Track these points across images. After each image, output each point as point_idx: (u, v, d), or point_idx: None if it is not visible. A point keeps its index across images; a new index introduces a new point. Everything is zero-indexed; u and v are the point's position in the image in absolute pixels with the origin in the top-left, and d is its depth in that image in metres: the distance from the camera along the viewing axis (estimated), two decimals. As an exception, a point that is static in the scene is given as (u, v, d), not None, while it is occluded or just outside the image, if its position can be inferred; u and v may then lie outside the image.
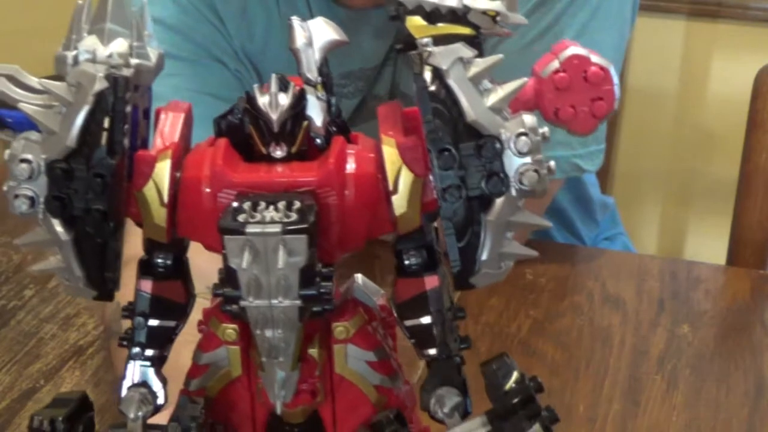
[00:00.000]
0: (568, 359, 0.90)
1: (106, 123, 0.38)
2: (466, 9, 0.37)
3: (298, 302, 0.37)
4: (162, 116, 0.41)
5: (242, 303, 0.37)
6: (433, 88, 0.38)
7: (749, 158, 1.21)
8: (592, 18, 0.97)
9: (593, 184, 1.30)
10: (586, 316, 0.96)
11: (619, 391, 0.86)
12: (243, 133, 0.40)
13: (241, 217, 0.37)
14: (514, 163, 0.37)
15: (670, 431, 0.82)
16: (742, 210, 1.22)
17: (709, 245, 1.76)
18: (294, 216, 0.37)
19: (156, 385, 0.43)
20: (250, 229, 0.36)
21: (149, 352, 0.43)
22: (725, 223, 1.26)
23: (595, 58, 0.39)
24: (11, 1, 2.50)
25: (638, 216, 2.26)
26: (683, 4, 2.06)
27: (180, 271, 0.43)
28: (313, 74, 0.40)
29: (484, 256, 0.38)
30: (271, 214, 0.37)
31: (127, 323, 0.44)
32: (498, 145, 0.37)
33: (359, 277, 0.44)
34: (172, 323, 0.43)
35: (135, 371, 0.43)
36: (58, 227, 0.40)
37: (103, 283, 0.40)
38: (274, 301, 0.37)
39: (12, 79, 0.39)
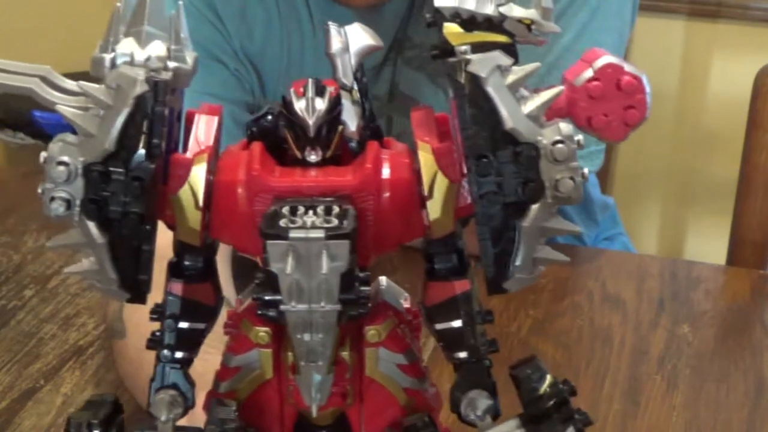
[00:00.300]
0: (568, 359, 0.90)
1: (145, 126, 0.38)
2: (503, 17, 0.38)
3: (338, 306, 0.37)
4: (196, 118, 0.42)
5: (283, 307, 0.38)
6: (470, 94, 0.38)
7: (749, 158, 1.21)
8: (591, 18, 0.97)
9: (593, 184, 1.30)
10: (586, 316, 0.96)
11: (619, 391, 0.86)
12: (276, 136, 0.40)
13: (282, 222, 0.37)
14: (550, 170, 0.38)
15: (670, 431, 0.82)
16: (742, 210, 1.22)
17: (709, 245, 1.76)
18: (335, 221, 0.37)
19: (185, 387, 0.43)
20: (293, 234, 0.37)
21: (178, 355, 0.43)
22: (725, 223, 1.26)
23: (627, 67, 0.39)
24: (11, 1, 2.50)
25: (638, 216, 2.26)
26: (683, 4, 2.06)
27: (209, 273, 0.43)
28: (348, 79, 0.40)
29: (518, 262, 0.39)
30: (311, 219, 0.37)
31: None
32: (534, 153, 0.37)
33: (383, 279, 0.44)
34: (201, 325, 0.43)
35: (164, 374, 0.43)
36: (94, 230, 0.40)
37: (137, 286, 0.40)
38: (315, 306, 0.37)
39: (45, 80, 0.39)
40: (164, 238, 0.43)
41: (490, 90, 0.37)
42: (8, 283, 0.99)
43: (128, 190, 0.38)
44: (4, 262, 1.03)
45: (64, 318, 0.94)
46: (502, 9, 0.38)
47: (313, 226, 0.37)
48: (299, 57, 1.04)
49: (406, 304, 0.44)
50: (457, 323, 0.42)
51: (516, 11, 0.38)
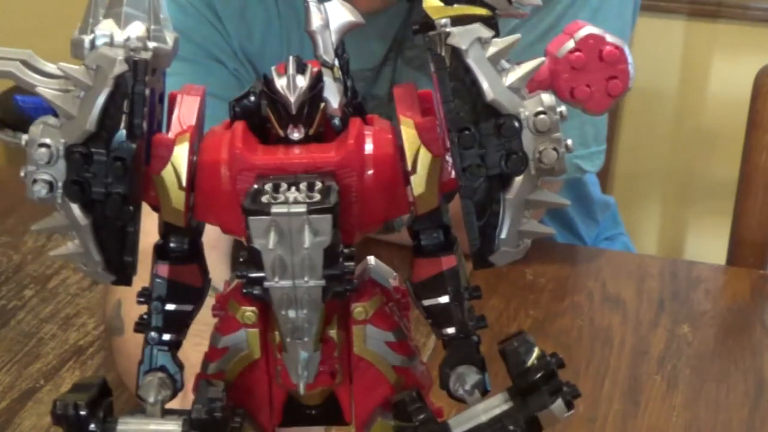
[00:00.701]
0: (568, 359, 0.89)
1: (126, 106, 0.37)
2: None
3: (322, 282, 0.37)
4: (178, 99, 0.41)
5: (266, 284, 0.37)
6: (451, 67, 0.37)
7: (749, 158, 1.21)
8: (592, 18, 0.98)
9: (594, 184, 1.30)
10: (586, 316, 0.96)
11: (619, 391, 0.86)
12: (259, 116, 0.40)
13: (264, 198, 0.37)
14: (532, 141, 0.37)
15: (670, 431, 0.82)
16: (742, 210, 1.22)
17: (709, 245, 1.76)
18: (317, 196, 0.37)
19: (173, 369, 0.42)
20: (275, 209, 0.36)
21: (166, 337, 0.42)
22: (725, 223, 1.26)
23: (609, 38, 0.39)
24: (11, 1, 2.50)
25: (638, 216, 2.25)
26: (683, 4, 2.06)
27: (196, 254, 0.43)
28: (329, 56, 0.40)
29: (503, 235, 0.39)
30: (294, 195, 0.37)
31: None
32: (517, 124, 0.37)
33: (371, 258, 0.44)
34: (188, 307, 0.42)
35: (152, 356, 0.43)
36: (77, 212, 0.39)
37: (122, 268, 0.40)
38: (299, 282, 0.37)
39: (26, 64, 0.39)
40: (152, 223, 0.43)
41: (471, 62, 0.37)
42: (8, 283, 0.99)
43: (110, 171, 0.38)
44: (4, 262, 1.03)
45: (64, 318, 0.94)
46: None
47: (296, 202, 0.37)
48: (299, 54, 1.04)
49: (395, 283, 0.44)
50: (444, 299, 0.42)
51: None
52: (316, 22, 0.40)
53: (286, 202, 0.36)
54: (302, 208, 0.36)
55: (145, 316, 0.43)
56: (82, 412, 0.41)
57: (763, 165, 1.20)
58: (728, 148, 1.52)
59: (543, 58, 0.38)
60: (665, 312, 0.97)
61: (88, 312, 0.95)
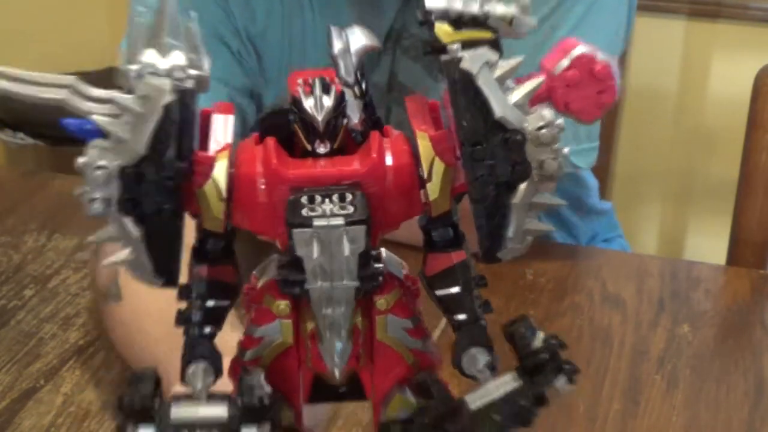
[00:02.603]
0: (568, 359, 0.90)
1: (173, 131, 0.41)
2: (487, 15, 0.42)
3: (357, 283, 0.43)
4: (213, 119, 0.46)
5: (308, 286, 0.43)
6: (463, 89, 0.42)
7: (749, 158, 1.21)
8: (587, 13, 0.98)
9: (592, 187, 1.30)
10: (586, 316, 0.96)
11: (619, 391, 0.86)
12: (286, 130, 0.44)
13: (304, 212, 0.42)
14: (535, 152, 0.42)
15: (670, 431, 0.82)
16: (742, 210, 1.22)
17: (709, 245, 1.76)
18: (351, 208, 0.42)
19: (214, 358, 0.46)
20: (317, 222, 0.42)
21: (207, 330, 0.46)
22: (725, 223, 1.26)
23: (600, 56, 0.43)
24: (11, 1, 2.50)
25: (638, 216, 2.26)
26: (683, 4, 2.06)
27: (230, 255, 0.47)
28: (351, 77, 0.44)
29: (510, 234, 0.43)
30: (329, 207, 0.42)
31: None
32: (521, 138, 0.42)
33: (383, 251, 0.48)
34: (226, 303, 0.47)
35: (194, 347, 0.46)
36: (130, 225, 0.43)
37: (170, 272, 0.44)
38: (337, 283, 0.43)
39: (74, 90, 0.42)
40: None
41: (481, 84, 0.42)
42: (8, 283, 0.99)
43: (161, 189, 0.42)
44: (4, 262, 1.03)
45: (64, 318, 0.94)
46: (486, 7, 0.42)
47: (333, 214, 0.42)
48: (300, 41, 1.05)
49: (405, 272, 0.48)
50: (455, 289, 0.47)
51: (498, 9, 0.42)
52: (337, 46, 0.45)
53: (324, 215, 0.42)
54: (341, 221, 0.42)
55: (185, 312, 0.47)
56: (148, 404, 0.45)
57: (763, 165, 1.20)
58: (728, 148, 1.52)
59: (542, 78, 0.43)
60: (665, 312, 0.97)
61: (88, 312, 0.95)
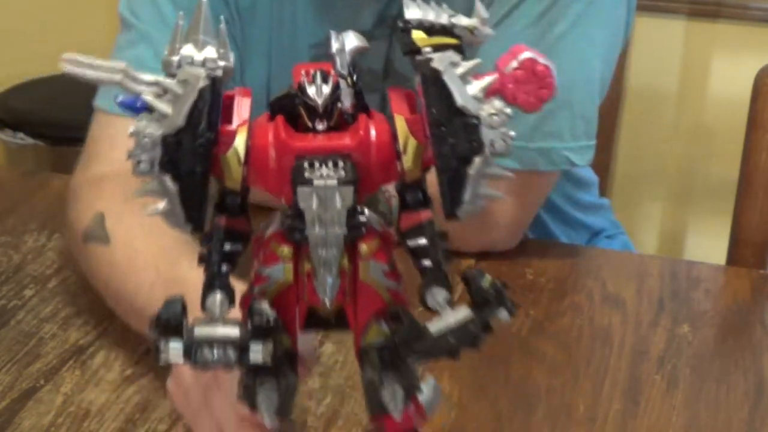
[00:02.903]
0: (568, 359, 0.90)
1: (205, 109, 0.53)
2: (453, 25, 0.54)
3: (345, 230, 0.54)
4: (236, 100, 0.57)
5: (307, 232, 0.54)
6: (433, 83, 0.53)
7: (749, 158, 1.21)
8: (585, 11, 0.98)
9: (592, 184, 1.30)
10: (586, 316, 0.96)
11: (619, 391, 0.86)
12: (291, 110, 0.55)
13: (306, 174, 0.53)
14: (488, 134, 0.53)
15: (670, 431, 0.82)
16: (742, 210, 1.22)
17: (709, 245, 1.76)
18: (343, 173, 0.53)
19: (229, 291, 0.56)
20: (316, 182, 0.53)
21: (224, 268, 0.57)
22: (725, 223, 1.26)
23: (541, 60, 0.54)
24: (11, 1, 2.50)
25: (638, 216, 2.26)
26: (683, 4, 2.06)
27: (245, 210, 0.58)
28: (345, 70, 0.55)
29: (467, 197, 0.54)
30: (326, 171, 0.53)
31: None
32: (477, 122, 0.53)
33: (366, 210, 0.58)
34: (240, 247, 0.57)
35: (213, 283, 0.56)
36: (168, 182, 0.53)
37: (198, 220, 0.55)
38: (330, 230, 0.54)
39: (126, 74, 0.53)
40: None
41: (446, 79, 0.53)
42: (8, 283, 0.99)
43: (194, 154, 0.53)
44: (4, 262, 1.03)
45: (64, 318, 0.94)
46: (453, 19, 0.54)
47: (329, 177, 0.53)
48: (291, 22, 1.06)
49: (382, 228, 0.59)
50: (423, 241, 0.57)
51: (463, 21, 0.54)
52: (335, 46, 0.56)
53: (322, 177, 0.53)
54: (334, 182, 0.53)
55: (205, 254, 0.57)
56: (179, 322, 0.56)
57: (763, 165, 1.20)
58: (728, 148, 1.52)
59: (496, 75, 0.54)
60: (665, 312, 0.98)
61: (88, 312, 0.95)
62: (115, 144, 0.97)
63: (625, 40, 1.07)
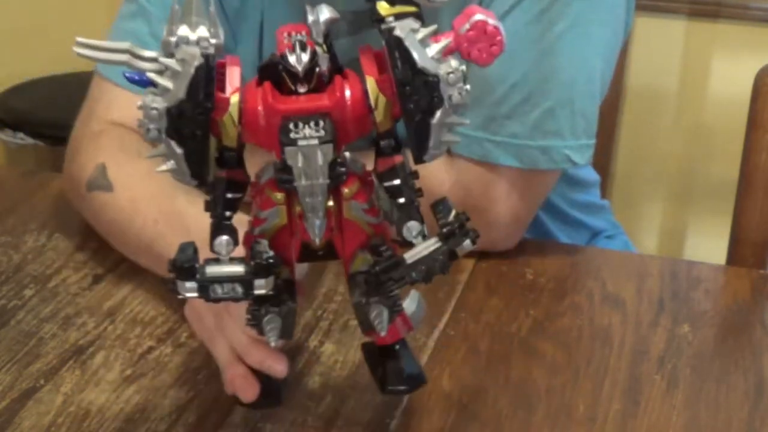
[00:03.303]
0: (568, 359, 0.90)
1: (202, 82, 0.60)
2: None
3: (327, 180, 0.63)
4: (228, 70, 0.65)
5: (295, 183, 0.62)
6: (396, 47, 0.61)
7: (749, 158, 1.21)
8: (585, 9, 0.98)
9: (593, 183, 1.30)
10: (586, 316, 0.96)
11: (619, 391, 0.86)
12: (276, 75, 0.63)
13: (292, 135, 0.61)
14: (446, 89, 0.61)
15: (670, 431, 0.82)
16: (742, 210, 1.22)
17: (709, 245, 1.76)
18: (323, 132, 0.61)
19: (233, 233, 0.65)
20: (300, 142, 0.61)
21: (227, 213, 0.65)
22: (725, 223, 1.26)
23: (491, 21, 0.61)
24: (11, 1, 2.50)
25: (638, 216, 2.26)
26: (683, 4, 2.06)
27: (241, 163, 0.66)
28: (320, 39, 0.63)
29: (431, 143, 0.63)
30: (308, 131, 0.61)
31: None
32: (437, 80, 0.61)
33: (347, 154, 0.66)
34: (239, 194, 0.66)
35: (218, 226, 0.65)
36: (174, 146, 0.61)
37: (201, 176, 0.63)
38: (314, 181, 0.62)
39: (131, 53, 0.61)
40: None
41: (408, 44, 0.60)
42: (8, 283, 0.99)
43: (195, 121, 0.61)
44: (4, 262, 1.03)
45: (64, 318, 0.94)
46: None
47: (311, 137, 0.61)
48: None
49: (363, 169, 0.67)
50: (397, 181, 0.65)
51: None
52: (311, 18, 0.63)
53: (305, 138, 0.61)
54: (316, 141, 0.61)
55: (210, 203, 0.66)
56: (193, 264, 0.65)
57: (763, 165, 1.20)
58: (728, 148, 1.52)
59: (451, 38, 0.61)
60: (665, 312, 0.98)
61: (88, 312, 0.95)
62: (112, 108, 1.06)
63: (624, 40, 1.07)
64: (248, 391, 0.75)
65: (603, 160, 1.61)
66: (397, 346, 0.74)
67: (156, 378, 0.86)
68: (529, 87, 0.98)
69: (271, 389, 0.75)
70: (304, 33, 0.64)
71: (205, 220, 0.79)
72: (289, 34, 0.64)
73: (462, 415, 0.82)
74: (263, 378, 0.75)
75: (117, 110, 1.06)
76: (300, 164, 0.62)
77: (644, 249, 2.14)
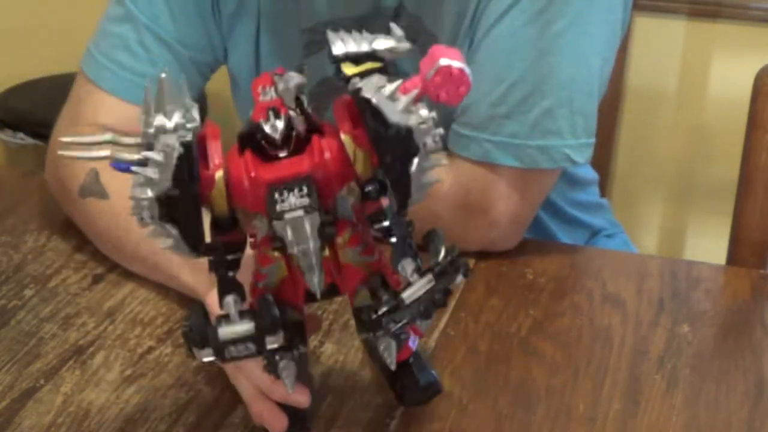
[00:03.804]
0: (568, 359, 0.90)
1: (186, 168, 0.62)
2: (374, 50, 0.64)
3: (318, 243, 0.65)
4: (209, 143, 0.67)
5: (289, 251, 0.65)
6: (366, 106, 0.62)
7: (749, 158, 1.21)
8: (584, 8, 0.98)
9: (592, 182, 1.30)
10: (586, 316, 0.96)
11: (619, 391, 0.86)
12: (258, 143, 0.65)
13: (278, 207, 0.64)
14: (420, 137, 0.62)
15: (670, 431, 0.82)
16: (742, 210, 1.22)
17: (709, 245, 1.76)
18: (307, 199, 0.64)
19: (239, 289, 0.68)
20: (287, 215, 0.64)
21: (230, 273, 0.68)
22: (725, 223, 1.26)
23: (456, 63, 0.62)
24: (11, 1, 2.50)
25: (638, 216, 2.26)
26: (683, 4, 2.06)
27: (235, 224, 0.68)
28: (293, 104, 0.65)
29: (413, 189, 0.64)
30: (294, 199, 0.64)
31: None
32: (408, 132, 0.62)
33: (338, 198, 0.68)
34: (239, 254, 0.69)
35: (224, 283, 0.68)
36: (169, 227, 0.64)
37: (197, 247, 0.66)
38: (305, 246, 0.65)
39: (114, 143, 0.65)
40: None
41: (375, 102, 0.61)
42: (8, 283, 0.99)
43: (185, 203, 0.63)
44: (4, 262, 1.03)
45: (64, 318, 0.94)
46: (373, 44, 0.64)
47: (295, 207, 0.64)
48: (281, 5, 1.08)
49: (352, 206, 0.69)
50: (386, 222, 0.68)
51: (381, 44, 0.64)
52: (281, 86, 0.65)
53: (291, 209, 0.64)
54: (301, 213, 0.64)
55: (213, 262, 0.69)
56: (204, 331, 0.68)
57: (763, 165, 1.20)
58: (728, 148, 1.52)
59: (417, 90, 0.62)
60: (665, 312, 0.98)
61: (88, 312, 0.95)
62: (99, 112, 1.06)
63: (621, 37, 1.07)
64: (277, 423, 0.77)
65: (602, 160, 1.61)
66: (411, 359, 0.77)
67: (156, 378, 0.86)
68: (528, 86, 0.98)
69: (297, 417, 0.78)
70: (274, 94, 0.66)
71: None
72: (263, 88, 0.67)
73: (462, 415, 0.82)
74: (289, 407, 0.77)
75: (105, 115, 1.06)
76: (290, 236, 0.64)
77: (644, 249, 2.14)
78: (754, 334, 0.96)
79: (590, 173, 1.29)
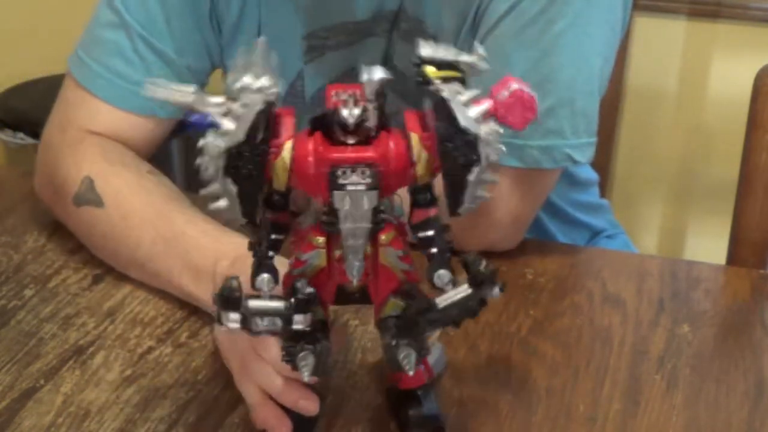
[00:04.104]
0: (568, 359, 0.90)
1: (261, 126, 0.64)
2: (457, 62, 0.66)
3: (370, 225, 0.67)
4: (282, 117, 0.68)
5: (340, 226, 0.67)
6: (442, 107, 0.64)
7: (749, 158, 1.21)
8: (584, 8, 0.97)
9: (592, 183, 1.30)
10: (586, 316, 0.97)
11: (619, 391, 0.86)
12: (329, 127, 0.67)
13: (340, 180, 0.65)
14: (484, 148, 0.64)
15: (670, 431, 0.82)
16: (742, 210, 1.22)
17: (709, 245, 1.76)
18: (369, 180, 0.66)
19: (275, 272, 0.69)
20: (349, 187, 0.65)
21: (270, 253, 0.69)
22: (725, 223, 1.26)
23: (526, 90, 0.66)
24: (11, 1, 2.50)
25: (638, 216, 2.26)
26: (683, 4, 2.06)
27: (287, 205, 0.69)
28: (372, 96, 0.66)
29: (466, 199, 0.66)
30: (356, 178, 0.66)
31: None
32: (475, 139, 0.64)
33: (385, 201, 0.70)
34: (282, 236, 0.70)
35: (260, 265, 0.69)
36: (230, 184, 0.65)
37: (251, 215, 0.67)
38: (358, 224, 0.67)
39: (198, 96, 0.64)
40: None
41: (452, 106, 0.64)
42: (8, 283, 0.99)
43: (251, 161, 0.64)
44: (4, 262, 1.03)
45: (64, 318, 0.94)
46: (458, 57, 0.66)
47: (358, 183, 0.66)
48: (283, 12, 1.08)
49: (399, 219, 0.71)
50: (431, 232, 0.69)
51: (465, 58, 0.66)
52: (364, 77, 0.65)
53: (353, 183, 0.65)
54: (363, 187, 0.66)
55: (255, 243, 0.70)
56: (237, 296, 0.68)
57: (763, 165, 1.20)
58: (728, 148, 1.52)
59: (491, 102, 0.65)
60: (665, 312, 0.98)
61: (88, 312, 0.95)
62: (94, 119, 1.06)
63: (621, 37, 1.07)
64: (281, 429, 0.77)
65: (603, 160, 1.61)
66: (419, 392, 0.78)
67: (156, 378, 0.86)
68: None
69: (302, 423, 0.78)
70: (357, 91, 0.68)
71: (203, 241, 0.85)
72: (337, 92, 0.68)
73: (462, 415, 0.82)
74: (294, 415, 0.77)
75: (100, 123, 1.06)
76: (347, 207, 0.66)
77: (644, 249, 2.14)
78: (754, 334, 0.96)
79: (590, 174, 1.29)
